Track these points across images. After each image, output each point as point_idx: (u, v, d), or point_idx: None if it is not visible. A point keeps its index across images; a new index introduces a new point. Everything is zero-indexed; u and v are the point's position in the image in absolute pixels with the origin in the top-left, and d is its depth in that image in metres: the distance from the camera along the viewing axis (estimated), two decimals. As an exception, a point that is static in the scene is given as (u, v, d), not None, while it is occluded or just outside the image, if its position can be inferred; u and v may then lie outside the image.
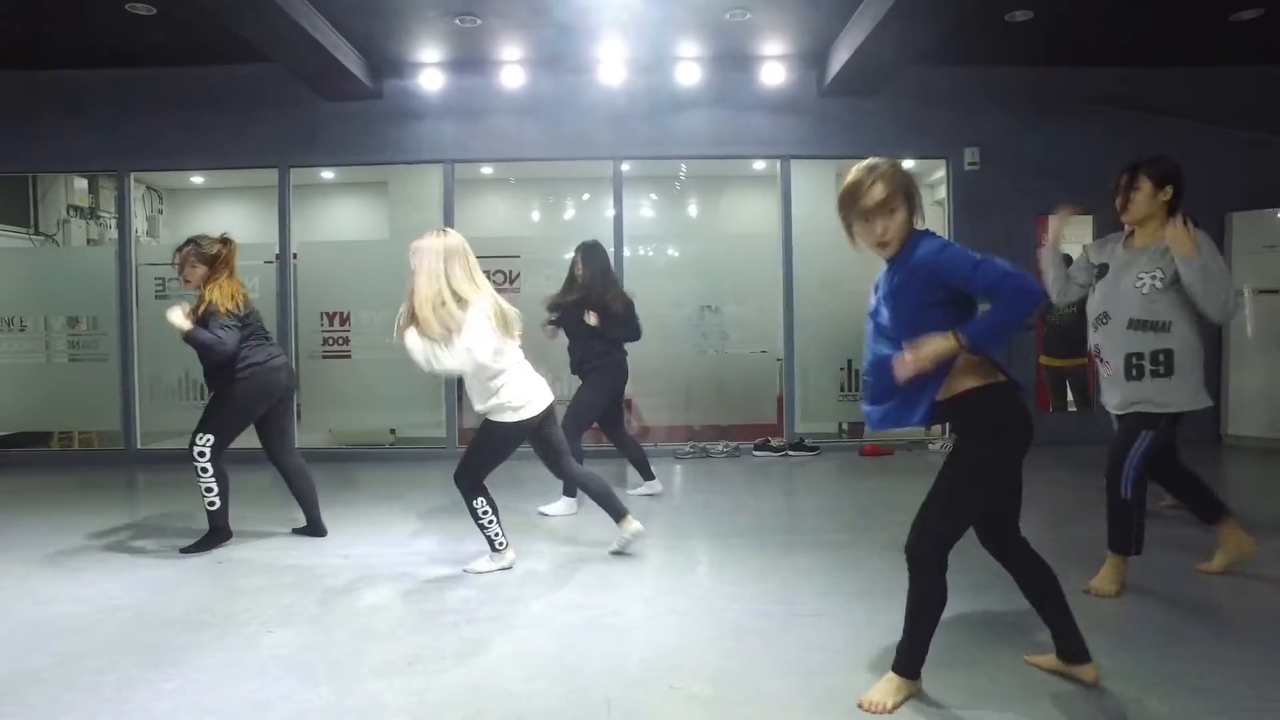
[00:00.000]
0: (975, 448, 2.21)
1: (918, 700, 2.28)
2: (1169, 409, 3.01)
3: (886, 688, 2.25)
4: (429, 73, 6.39)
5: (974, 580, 3.34)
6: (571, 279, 4.76)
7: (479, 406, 3.45)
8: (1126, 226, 3.19)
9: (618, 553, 3.70)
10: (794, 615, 2.99)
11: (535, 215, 9.51)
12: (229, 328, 3.81)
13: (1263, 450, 6.27)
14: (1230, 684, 2.37)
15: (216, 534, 3.96)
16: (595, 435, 5.15)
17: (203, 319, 3.81)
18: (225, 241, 4.00)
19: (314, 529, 4.19)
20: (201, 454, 3.88)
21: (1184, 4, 5.43)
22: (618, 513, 3.66)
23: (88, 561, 3.80)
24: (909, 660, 2.26)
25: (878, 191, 2.14)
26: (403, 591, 3.32)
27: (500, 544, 3.50)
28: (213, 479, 3.90)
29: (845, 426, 7.19)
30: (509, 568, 3.52)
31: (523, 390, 3.43)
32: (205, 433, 3.89)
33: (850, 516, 4.54)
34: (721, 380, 6.80)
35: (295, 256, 6.71)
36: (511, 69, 6.33)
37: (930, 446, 6.61)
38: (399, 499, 5.13)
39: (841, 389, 6.83)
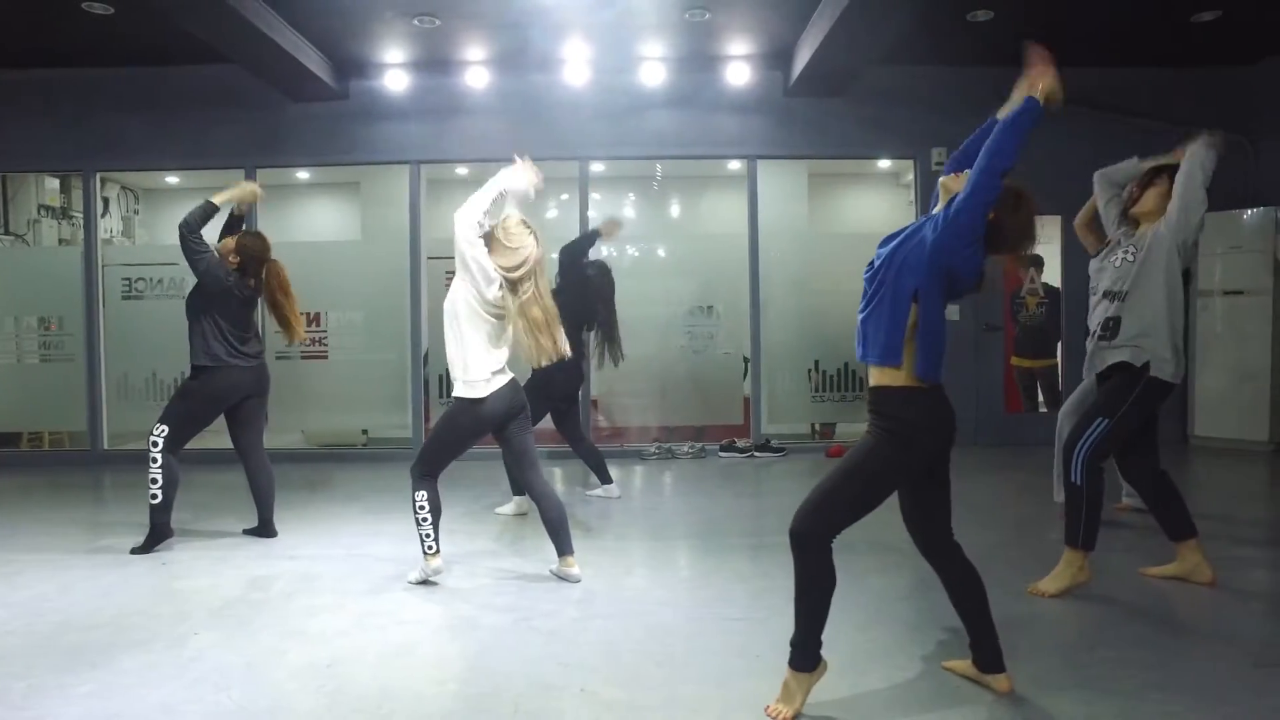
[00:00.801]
0: (887, 446, 2.20)
1: (830, 704, 2.28)
2: (1109, 362, 3.17)
3: (787, 692, 2.24)
4: (394, 73, 6.38)
5: (907, 583, 3.35)
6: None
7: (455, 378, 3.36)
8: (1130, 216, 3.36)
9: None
10: (723, 620, 2.99)
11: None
12: (202, 251, 3.90)
13: (1228, 451, 6.27)
14: (1142, 689, 2.37)
15: (157, 530, 3.91)
16: (556, 439, 5.15)
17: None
18: (269, 261, 4.12)
19: (264, 529, 4.18)
20: (155, 444, 3.86)
21: (1144, 5, 5.42)
22: (562, 547, 3.44)
23: (32, 563, 3.78)
24: (803, 653, 2.23)
25: None
26: (340, 594, 3.31)
27: (430, 549, 3.37)
28: (160, 470, 3.85)
29: (818, 427, 7.19)
30: (437, 574, 3.39)
31: (484, 368, 3.29)
32: (162, 424, 3.88)
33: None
34: (689, 381, 6.80)
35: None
36: (476, 69, 6.33)
37: (897, 447, 6.60)
38: (359, 500, 5.13)
39: (815, 389, 6.82)
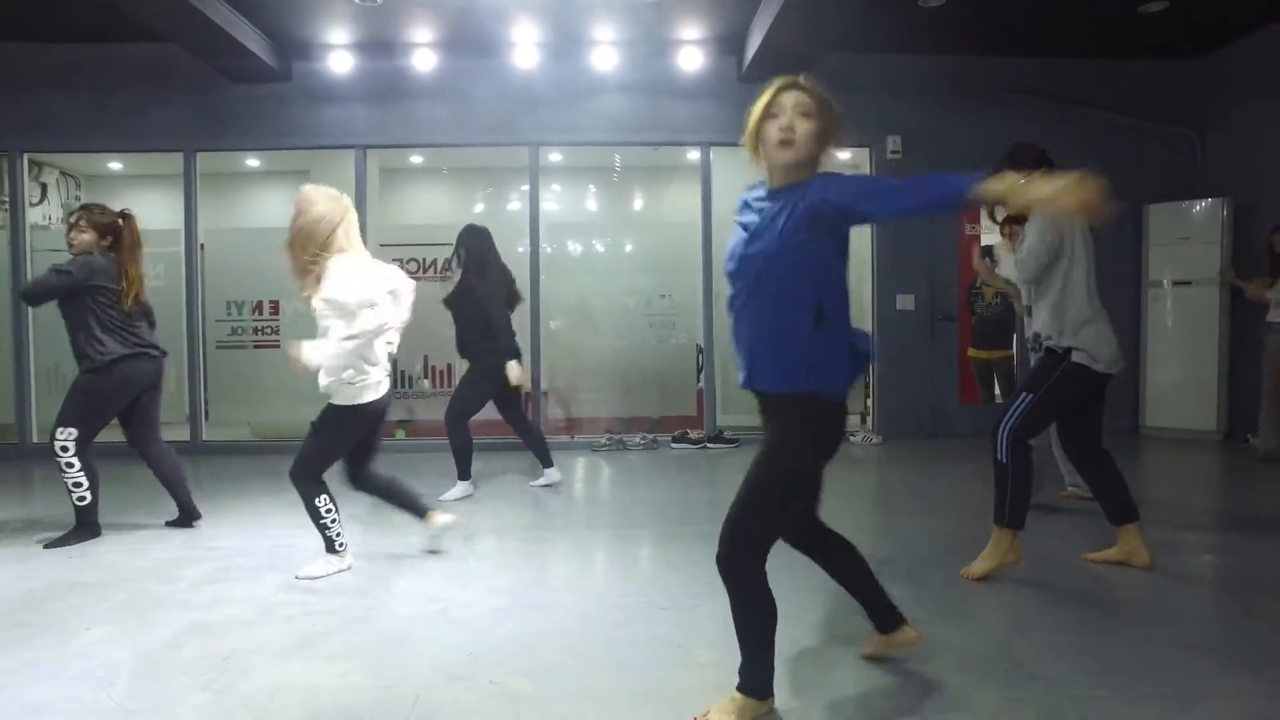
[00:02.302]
0: (794, 450, 2.01)
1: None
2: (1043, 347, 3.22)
3: (726, 707, 2.00)
4: (338, 55, 6.20)
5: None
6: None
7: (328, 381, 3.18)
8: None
9: (433, 551, 3.50)
10: (648, 608, 2.88)
11: (470, 205, 9.32)
12: (61, 271, 3.66)
13: (1179, 441, 6.29)
14: (1067, 672, 2.30)
15: (85, 529, 3.78)
16: (502, 430, 5.01)
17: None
18: (125, 216, 3.85)
19: (186, 516, 4.03)
20: (65, 449, 3.69)
21: (1094, -6, 5.42)
22: (419, 510, 3.45)
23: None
24: (754, 680, 2.01)
25: (801, 92, 1.96)
26: (254, 585, 3.16)
27: (340, 545, 3.26)
28: (81, 473, 3.72)
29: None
30: (347, 569, 3.28)
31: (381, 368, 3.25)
32: (67, 426, 3.70)
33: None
34: (642, 371, 6.69)
35: (202, 248, 6.48)
36: (422, 52, 6.16)
37: (853, 438, 6.56)
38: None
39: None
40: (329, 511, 3.24)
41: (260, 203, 8.94)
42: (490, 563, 3.47)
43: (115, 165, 8.47)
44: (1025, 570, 3.14)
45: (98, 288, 3.71)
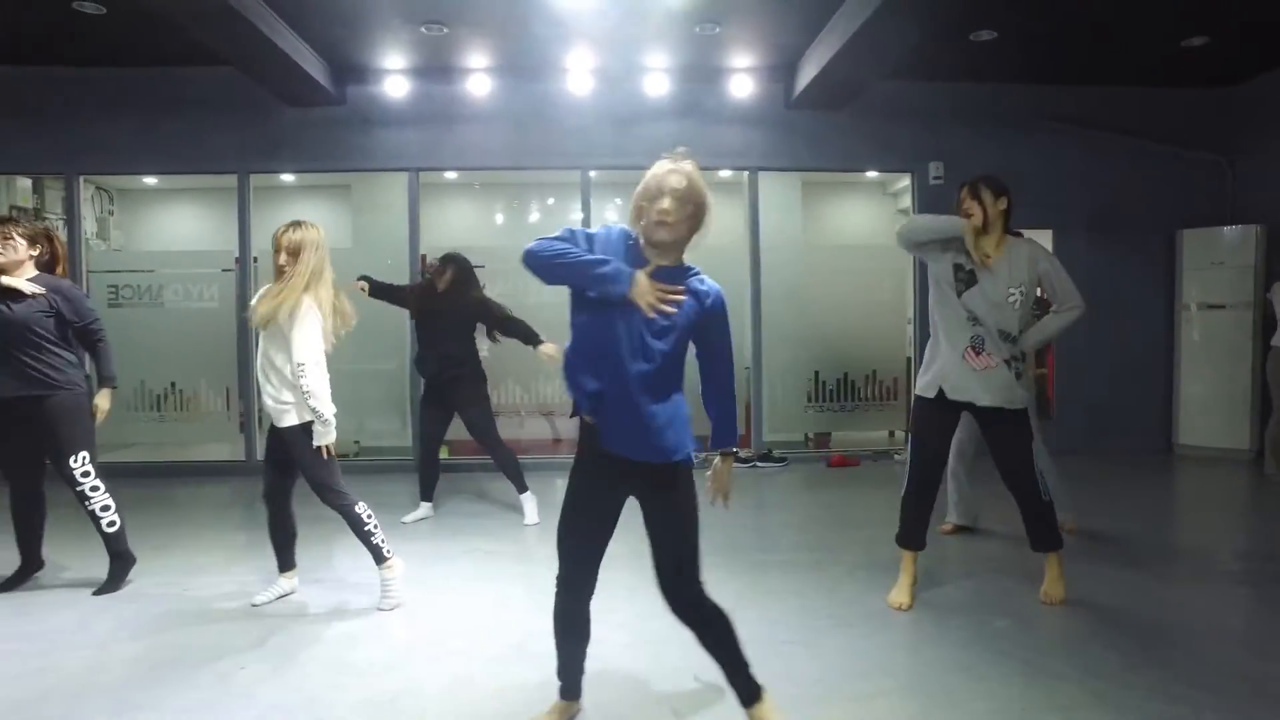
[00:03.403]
0: (691, 486, 2.26)
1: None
2: (1010, 404, 3.25)
3: (769, 710, 2.23)
4: (394, 80, 6.27)
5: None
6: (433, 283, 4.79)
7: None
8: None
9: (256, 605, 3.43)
10: (776, 643, 2.99)
11: (500, 220, 9.41)
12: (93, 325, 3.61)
13: (1210, 460, 6.49)
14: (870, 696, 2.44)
15: (123, 560, 3.64)
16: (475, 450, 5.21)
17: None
18: (49, 237, 3.61)
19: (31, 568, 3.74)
20: (86, 474, 3.52)
21: (1138, 30, 5.59)
22: (285, 564, 3.54)
23: (33, 593, 3.62)
24: (750, 687, 2.24)
25: (683, 177, 2.08)
26: (375, 622, 3.25)
27: (387, 551, 3.38)
28: (108, 495, 3.58)
29: (811, 436, 7.26)
30: (398, 578, 3.40)
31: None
32: (80, 451, 3.51)
33: (820, 533, 4.57)
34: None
35: (255, 261, 6.53)
36: (478, 77, 6.25)
37: (896, 457, 6.71)
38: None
39: (809, 399, 6.89)
40: (369, 517, 3.36)
41: (297, 217, 8.96)
42: (598, 595, 3.55)
43: (150, 180, 8.47)
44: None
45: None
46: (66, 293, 3.54)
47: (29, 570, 3.70)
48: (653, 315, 2.05)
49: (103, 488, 3.57)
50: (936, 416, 3.34)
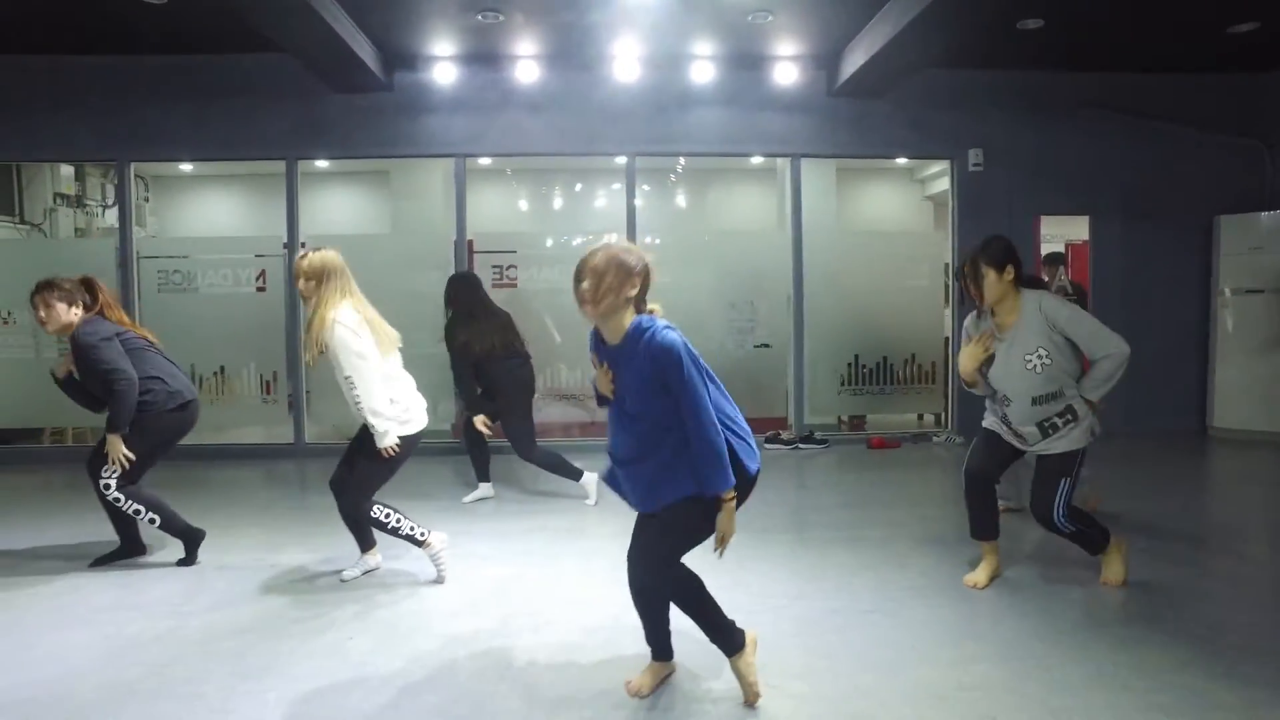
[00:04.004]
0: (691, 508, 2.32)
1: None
2: (1077, 445, 3.22)
3: (746, 665, 2.41)
4: (443, 66, 6.34)
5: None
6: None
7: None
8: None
9: (344, 579, 3.55)
10: (856, 612, 3.10)
11: (528, 206, 9.48)
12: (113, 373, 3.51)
13: (1244, 442, 6.59)
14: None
15: (188, 535, 3.76)
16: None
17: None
18: (89, 285, 3.71)
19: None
20: (107, 487, 3.58)
21: (1185, 15, 5.63)
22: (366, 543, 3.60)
23: (125, 566, 3.76)
24: (728, 639, 2.42)
25: (594, 254, 2.28)
26: (466, 597, 3.36)
27: (421, 534, 3.46)
28: (132, 502, 3.63)
29: (845, 419, 7.35)
30: (443, 549, 3.51)
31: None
32: (110, 466, 3.58)
33: (878, 511, 4.68)
34: (730, 374, 6.87)
35: (304, 246, 6.61)
36: (526, 64, 6.31)
37: (935, 439, 6.81)
38: (428, 497, 5.12)
39: (842, 382, 6.97)
40: (389, 514, 3.44)
41: (336, 204, 9.05)
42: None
43: (185, 166, 8.55)
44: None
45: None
46: (78, 355, 3.55)
47: (131, 553, 3.84)
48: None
49: (124, 498, 3.60)
50: (994, 440, 3.41)
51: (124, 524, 3.80)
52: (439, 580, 3.48)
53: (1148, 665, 2.60)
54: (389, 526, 3.43)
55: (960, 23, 5.11)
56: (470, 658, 2.74)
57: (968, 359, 3.31)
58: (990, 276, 3.17)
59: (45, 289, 3.58)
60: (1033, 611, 3.09)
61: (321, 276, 3.28)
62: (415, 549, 3.51)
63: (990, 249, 3.19)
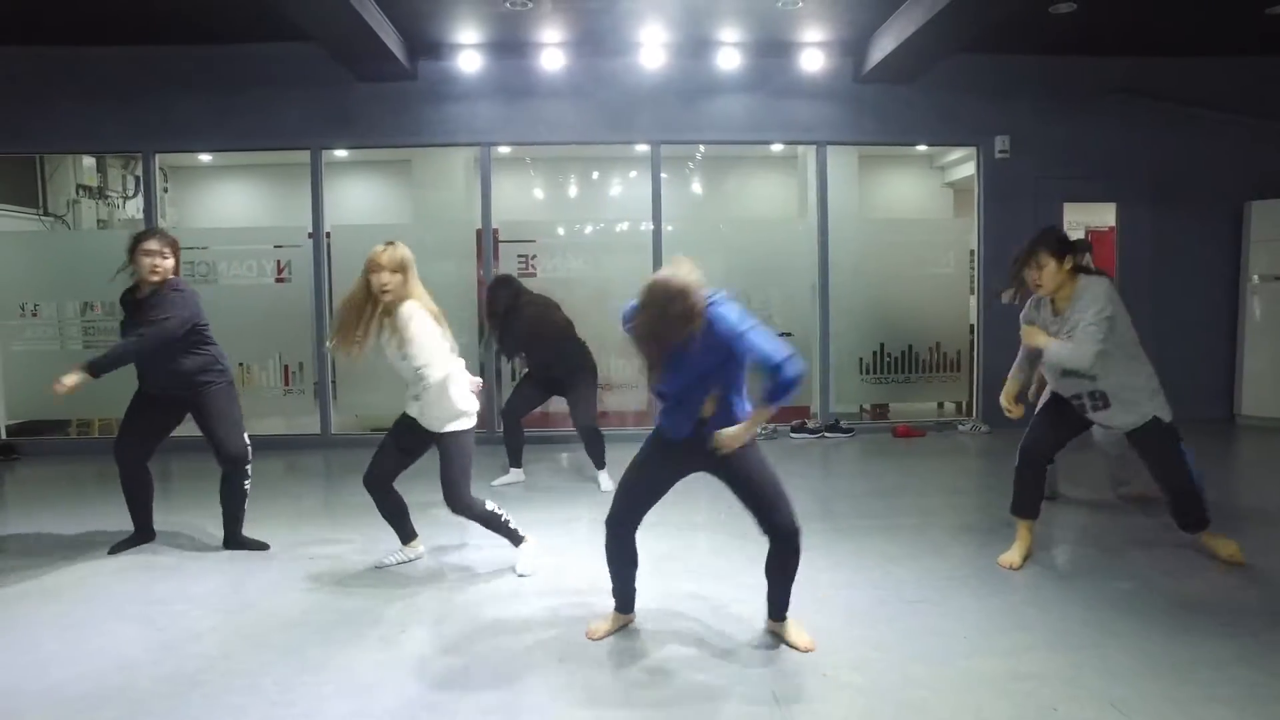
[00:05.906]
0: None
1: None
2: (1124, 428, 3.44)
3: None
4: (467, 54, 6.30)
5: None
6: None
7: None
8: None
9: (381, 566, 3.60)
10: (902, 602, 3.11)
11: (544, 196, 9.45)
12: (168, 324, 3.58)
13: (1274, 430, 6.55)
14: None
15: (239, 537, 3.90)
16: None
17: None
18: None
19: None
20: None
21: (1221, -1, 5.55)
22: (406, 534, 3.67)
23: (168, 558, 3.78)
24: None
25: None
26: (511, 584, 3.37)
27: (521, 537, 3.53)
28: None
29: (867, 407, 7.32)
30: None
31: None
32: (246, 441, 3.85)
33: (909, 500, 4.68)
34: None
35: (329, 236, 6.62)
36: (552, 51, 6.27)
37: (960, 427, 6.80)
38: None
39: (865, 371, 6.94)
40: (499, 510, 3.49)
41: (357, 193, 9.04)
42: (722, 558, 3.66)
43: (204, 157, 8.54)
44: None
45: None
46: (159, 300, 3.63)
47: (142, 540, 3.92)
48: None
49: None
50: (1054, 419, 3.55)
51: (141, 509, 3.90)
52: (521, 573, 3.47)
53: (1205, 656, 2.60)
54: (500, 519, 3.47)
55: (996, 6, 5.05)
56: (526, 650, 2.75)
57: (1032, 336, 3.41)
58: (1050, 266, 3.28)
59: (155, 238, 3.69)
60: (1079, 600, 3.09)
61: (406, 269, 3.31)
62: (454, 540, 3.53)
63: (1047, 239, 3.31)
